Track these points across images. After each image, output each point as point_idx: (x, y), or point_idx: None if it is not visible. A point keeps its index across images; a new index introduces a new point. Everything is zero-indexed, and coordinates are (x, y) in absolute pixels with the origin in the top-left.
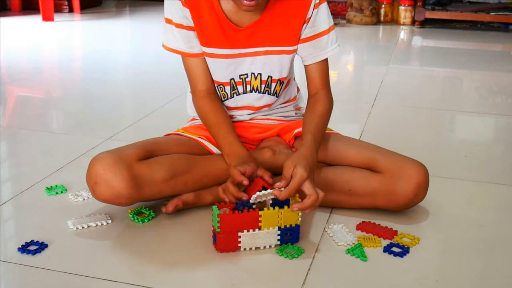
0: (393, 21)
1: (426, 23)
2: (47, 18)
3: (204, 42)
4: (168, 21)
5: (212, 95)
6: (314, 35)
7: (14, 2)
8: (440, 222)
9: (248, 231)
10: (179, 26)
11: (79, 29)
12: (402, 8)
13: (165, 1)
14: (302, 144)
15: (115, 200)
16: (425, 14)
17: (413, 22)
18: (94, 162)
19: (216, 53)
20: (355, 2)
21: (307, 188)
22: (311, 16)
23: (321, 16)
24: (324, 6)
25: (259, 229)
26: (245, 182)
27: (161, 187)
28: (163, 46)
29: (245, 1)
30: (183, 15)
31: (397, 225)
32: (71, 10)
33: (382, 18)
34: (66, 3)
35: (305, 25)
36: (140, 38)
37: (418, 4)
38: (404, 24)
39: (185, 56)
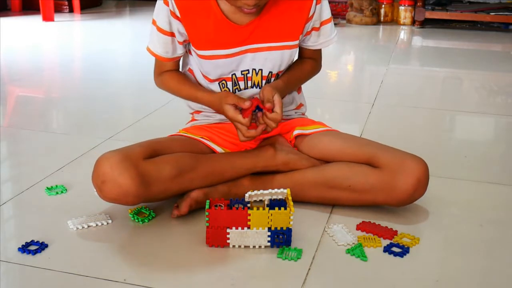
0: (393, 21)
1: (426, 23)
2: (47, 18)
3: (202, 45)
4: (154, 22)
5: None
6: (319, 25)
7: (14, 2)
8: (440, 222)
9: (236, 228)
10: (160, 30)
11: (79, 29)
12: (402, 8)
13: (157, 2)
14: (279, 79)
15: (123, 199)
16: (425, 14)
17: (413, 22)
18: (100, 161)
19: (216, 55)
20: (355, 2)
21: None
22: (314, 12)
23: (324, 8)
24: None
25: (248, 228)
26: (247, 103)
27: (168, 184)
28: (147, 48)
29: (245, 9)
30: (168, 20)
31: (397, 225)
32: (71, 10)
33: (382, 18)
34: (66, 3)
35: (309, 22)
36: (140, 38)
37: (418, 4)
38: (404, 24)
39: (158, 59)
